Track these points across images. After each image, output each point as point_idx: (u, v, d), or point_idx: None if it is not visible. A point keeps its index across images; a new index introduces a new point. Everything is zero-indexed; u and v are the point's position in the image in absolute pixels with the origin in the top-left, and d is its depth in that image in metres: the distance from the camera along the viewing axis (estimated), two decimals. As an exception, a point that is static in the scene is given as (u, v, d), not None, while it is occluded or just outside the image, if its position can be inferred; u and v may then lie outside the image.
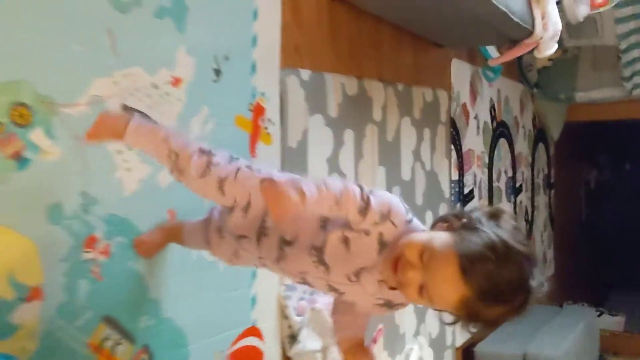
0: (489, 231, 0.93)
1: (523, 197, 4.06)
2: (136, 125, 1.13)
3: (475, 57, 3.14)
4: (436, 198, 2.73)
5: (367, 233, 1.01)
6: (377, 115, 2.25)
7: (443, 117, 2.79)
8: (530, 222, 4.22)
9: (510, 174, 3.78)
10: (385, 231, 1.00)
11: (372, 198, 0.98)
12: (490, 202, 3.43)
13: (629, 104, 4.16)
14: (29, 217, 1.07)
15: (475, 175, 3.21)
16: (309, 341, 1.72)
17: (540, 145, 4.48)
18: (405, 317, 2.43)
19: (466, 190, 3.09)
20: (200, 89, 1.44)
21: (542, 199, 4.55)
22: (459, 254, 0.92)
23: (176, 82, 1.37)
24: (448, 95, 2.85)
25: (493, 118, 3.46)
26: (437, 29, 2.45)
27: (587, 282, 5.46)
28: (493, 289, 0.92)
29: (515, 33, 2.44)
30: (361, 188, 0.99)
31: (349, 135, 2.07)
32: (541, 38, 2.45)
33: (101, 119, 1.15)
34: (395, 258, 0.99)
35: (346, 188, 0.97)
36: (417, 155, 2.55)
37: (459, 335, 2.93)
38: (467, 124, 3.08)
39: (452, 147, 2.91)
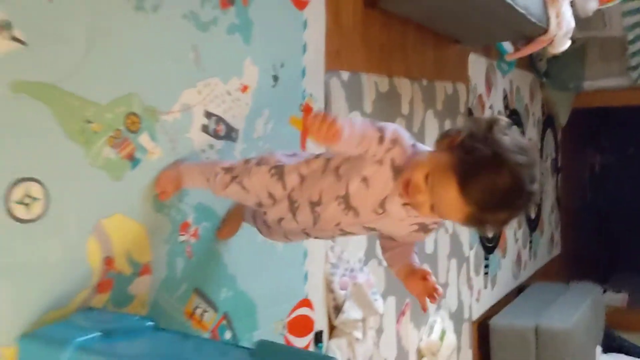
0: (482, 146, 0.99)
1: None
2: (184, 170, 1.34)
3: (490, 51, 3.34)
4: (455, 184, 2.94)
5: (380, 163, 1.11)
6: (405, 109, 2.46)
7: (462, 108, 3.00)
8: (539, 205, 4.44)
9: (521, 159, 3.99)
10: (397, 156, 1.10)
11: (383, 127, 1.10)
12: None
13: (634, 91, 4.35)
14: (140, 206, 1.29)
15: (490, 162, 3.42)
16: (351, 311, 1.96)
17: (549, 131, 4.69)
18: (429, 293, 2.66)
19: (481, 176, 3.30)
20: (263, 94, 1.65)
21: (550, 183, 4.77)
22: (457, 176, 1.00)
23: (244, 88, 1.59)
24: (466, 87, 3.06)
25: (506, 107, 3.67)
26: (458, 28, 2.65)
27: (592, 262, 5.69)
28: (492, 200, 0.99)
29: (531, 31, 2.64)
30: (371, 121, 1.13)
31: (361, 119, 2.28)
32: (555, 35, 2.65)
33: (161, 179, 1.32)
34: (404, 183, 1.08)
35: (364, 123, 1.10)
36: (439, 144, 2.77)
37: (475, 310, 3.16)
38: (483, 113, 3.29)
39: (470, 135, 3.12)
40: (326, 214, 1.20)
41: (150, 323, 1.08)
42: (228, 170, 1.31)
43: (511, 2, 2.14)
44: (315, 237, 1.36)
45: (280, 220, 1.29)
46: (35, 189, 1.08)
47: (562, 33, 2.65)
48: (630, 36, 3.77)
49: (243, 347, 1.00)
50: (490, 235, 1.15)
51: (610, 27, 3.84)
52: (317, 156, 1.25)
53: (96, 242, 1.20)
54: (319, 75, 1.92)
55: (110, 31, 1.22)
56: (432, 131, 2.70)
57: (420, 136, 2.58)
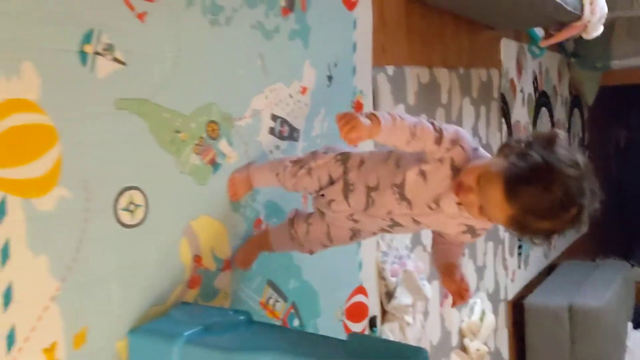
0: (537, 155, 1.02)
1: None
2: (254, 171, 1.42)
3: (521, 35, 3.38)
4: (490, 168, 3.02)
5: (441, 161, 1.14)
6: (444, 98, 2.53)
7: (495, 93, 3.06)
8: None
9: (550, 140, 4.05)
10: (456, 156, 1.13)
11: (443, 128, 1.14)
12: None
13: (662, 69, 4.36)
14: (221, 207, 1.39)
15: (522, 145, 3.49)
16: (402, 297, 2.06)
17: (576, 111, 4.72)
18: (468, 275, 2.75)
19: (514, 159, 3.37)
20: (319, 94, 1.73)
21: (577, 161, 4.81)
22: (504, 178, 1.03)
23: (304, 90, 1.68)
24: (499, 73, 3.11)
25: (535, 89, 3.71)
26: (493, 15, 2.70)
27: (617, 238, 5.75)
28: (537, 208, 1.01)
29: (565, 17, 2.68)
30: (432, 122, 1.15)
31: (423, 119, 2.36)
32: (589, 21, 2.69)
33: (232, 181, 1.40)
34: (458, 183, 1.12)
35: (420, 122, 1.13)
36: (475, 131, 2.84)
37: (510, 290, 3.26)
38: (515, 97, 3.35)
39: (503, 120, 3.19)
40: (381, 200, 1.22)
41: (243, 316, 1.19)
42: (296, 162, 1.37)
43: (550, -7, 2.20)
44: (359, 229, 1.36)
45: (331, 202, 1.30)
46: (137, 197, 1.19)
47: (595, 19, 2.69)
48: (660, 15, 3.78)
49: (336, 340, 1.10)
50: (538, 244, 1.15)
51: (637, 6, 3.84)
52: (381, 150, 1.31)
53: (187, 242, 1.30)
54: (367, 71, 1.99)
55: (191, 47, 1.31)
56: (469, 119, 2.78)
57: (457, 124, 2.65)
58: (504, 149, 1.10)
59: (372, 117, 1.11)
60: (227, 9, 1.40)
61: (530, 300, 3.33)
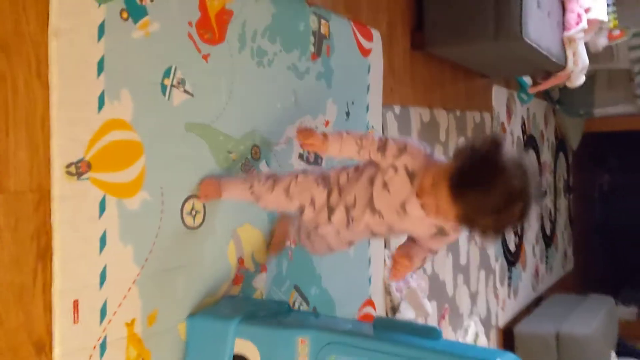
0: (479, 157, 1.10)
1: (547, 201, 4.62)
2: (225, 182, 1.45)
3: (510, 82, 3.71)
4: (483, 202, 3.29)
5: (395, 169, 1.24)
6: (442, 136, 2.81)
7: (487, 134, 3.36)
8: (553, 223, 4.77)
9: (536, 180, 4.33)
10: (408, 163, 1.23)
11: (389, 139, 1.25)
12: (523, 205, 3.98)
13: (640, 117, 4.71)
14: (259, 217, 1.64)
15: (511, 183, 3.76)
16: (406, 312, 2.29)
17: (561, 154, 5.04)
18: (462, 299, 2.99)
19: (504, 196, 3.64)
20: (338, 126, 2.00)
21: (562, 202, 5.10)
22: (450, 180, 1.11)
23: (326, 123, 1.94)
24: (491, 116, 3.41)
25: (524, 133, 4.02)
26: (487, 66, 3.01)
27: (602, 277, 6.00)
28: (481, 206, 1.09)
29: (550, 67, 3.00)
30: (382, 137, 1.27)
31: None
32: (572, 71, 3.01)
33: (205, 184, 1.42)
34: (419, 186, 1.21)
35: (366, 135, 1.28)
36: (469, 167, 3.11)
37: (501, 317, 3.48)
38: (505, 139, 3.64)
39: (494, 159, 3.47)
40: (358, 216, 1.32)
41: (283, 305, 1.42)
42: (270, 176, 1.42)
43: (537, 47, 2.50)
44: (349, 239, 1.45)
45: (317, 227, 1.40)
46: (198, 204, 1.43)
47: (578, 69, 3.01)
48: (637, 68, 4.14)
49: (363, 322, 1.33)
50: (490, 241, 1.32)
51: (617, 59, 4.20)
52: (354, 167, 1.38)
53: (233, 245, 1.54)
54: (378, 109, 2.27)
55: (242, 83, 1.57)
56: (464, 155, 3.05)
57: (454, 160, 2.93)
58: (456, 153, 1.17)
59: (323, 135, 1.33)
60: (270, 53, 1.67)
61: (520, 328, 3.55)
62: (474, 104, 3.23)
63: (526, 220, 1.13)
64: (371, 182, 1.30)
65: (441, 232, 1.27)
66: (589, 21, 2.89)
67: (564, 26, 2.90)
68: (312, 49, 1.86)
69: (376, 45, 2.23)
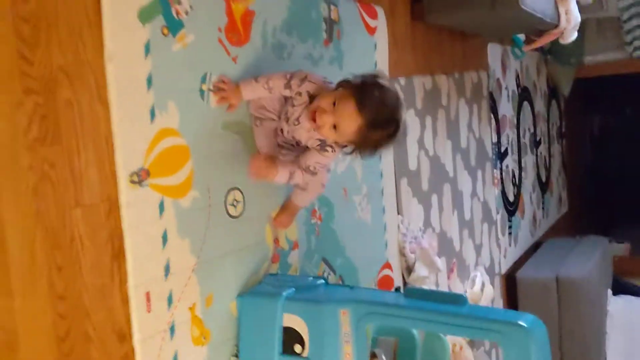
0: (371, 82, 1.46)
1: (542, 149, 4.79)
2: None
3: (504, 39, 3.81)
4: (483, 159, 3.45)
5: (299, 94, 1.53)
6: (444, 101, 2.94)
7: (485, 92, 3.49)
8: (548, 170, 4.96)
9: (532, 130, 4.49)
10: (310, 88, 1.52)
11: (293, 74, 1.53)
12: (520, 156, 4.16)
13: (629, 62, 4.83)
14: (289, 200, 1.78)
15: (509, 136, 3.92)
16: (420, 270, 2.47)
17: (553, 102, 5.18)
18: (468, 252, 3.18)
19: (502, 149, 3.81)
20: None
21: (556, 149, 5.28)
22: (355, 97, 1.42)
23: (341, 103, 2.06)
24: (487, 74, 3.53)
25: (518, 85, 4.15)
26: (483, 28, 3.11)
27: (595, 217, 6.25)
28: (377, 117, 1.42)
29: (544, 26, 3.11)
30: (288, 74, 1.54)
31: (428, 120, 2.77)
32: (565, 29, 3.12)
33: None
34: (313, 110, 1.47)
35: (273, 76, 1.53)
36: (469, 127, 3.26)
37: (503, 265, 3.70)
38: (501, 94, 3.78)
39: (492, 115, 3.61)
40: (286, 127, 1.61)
41: (321, 280, 1.58)
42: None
43: (532, 12, 2.61)
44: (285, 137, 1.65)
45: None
46: (238, 195, 1.57)
47: (570, 26, 3.12)
48: (625, 16, 4.24)
49: (394, 292, 1.50)
50: (367, 155, 1.59)
51: (607, 8, 4.30)
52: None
53: (269, 228, 1.69)
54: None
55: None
56: (464, 117, 3.19)
57: (455, 123, 3.07)
58: (343, 83, 1.51)
59: (236, 85, 1.53)
60: (288, 46, 1.79)
61: (522, 274, 3.77)
62: (471, 63, 3.34)
63: (394, 142, 1.51)
64: (287, 102, 1.60)
65: (322, 145, 1.56)
66: (580, -21, 2.98)
67: (555, -15, 2.99)
68: (324, 35, 1.97)
69: (381, 22, 2.34)
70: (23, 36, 1.08)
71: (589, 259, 3.90)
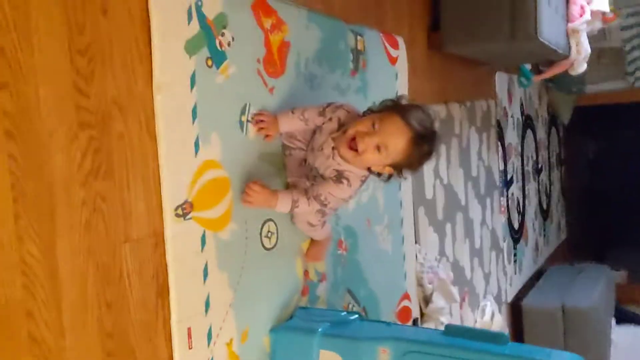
0: (402, 102, 1.48)
1: (543, 176, 4.82)
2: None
3: (510, 67, 3.85)
4: (491, 187, 3.46)
5: (330, 120, 1.52)
6: (457, 129, 2.95)
7: (493, 121, 3.51)
8: (548, 196, 4.99)
9: (534, 157, 4.52)
10: (341, 116, 1.51)
11: (330, 102, 1.54)
12: (523, 184, 4.18)
13: (631, 91, 4.90)
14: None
15: (514, 164, 3.94)
16: (438, 301, 2.45)
17: (553, 129, 5.23)
18: (478, 281, 3.17)
19: (508, 177, 3.82)
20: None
21: (556, 175, 5.32)
22: (398, 113, 1.41)
23: (365, 133, 2.06)
24: (495, 102, 3.56)
25: (522, 113, 4.18)
26: (496, 58, 3.14)
27: (592, 243, 6.28)
28: (425, 128, 1.42)
29: (555, 57, 3.15)
30: (324, 104, 1.54)
31: (443, 148, 2.77)
32: (575, 60, 3.16)
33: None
34: (351, 137, 1.42)
35: (307, 107, 1.54)
36: (479, 155, 3.27)
37: (509, 293, 3.69)
38: (507, 122, 3.80)
39: (499, 143, 3.63)
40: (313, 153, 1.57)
41: (355, 315, 1.56)
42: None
43: (548, 43, 2.64)
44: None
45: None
46: (272, 226, 1.55)
47: (581, 58, 3.16)
48: (628, 47, 4.31)
49: (432, 329, 1.48)
50: (412, 173, 1.58)
51: (610, 38, 4.36)
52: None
53: (300, 259, 1.67)
54: (405, 113, 2.39)
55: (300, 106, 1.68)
56: (475, 145, 3.21)
57: (467, 151, 3.08)
58: (371, 109, 1.52)
59: (274, 116, 1.52)
60: (318, 76, 1.78)
61: (527, 303, 3.76)
62: (480, 92, 3.37)
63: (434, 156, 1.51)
64: (316, 130, 1.58)
65: (339, 177, 1.50)
66: (592, 12, 3.02)
67: (567, 18, 3.03)
68: (351, 66, 1.97)
69: (401, 52, 2.35)
70: (79, 69, 1.06)
71: (593, 288, 3.91)
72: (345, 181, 1.50)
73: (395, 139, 1.41)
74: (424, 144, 1.44)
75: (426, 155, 1.48)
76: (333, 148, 1.49)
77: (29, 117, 0.98)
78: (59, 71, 1.03)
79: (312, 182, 1.60)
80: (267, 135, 1.53)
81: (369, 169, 1.50)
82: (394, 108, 1.46)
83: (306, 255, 1.70)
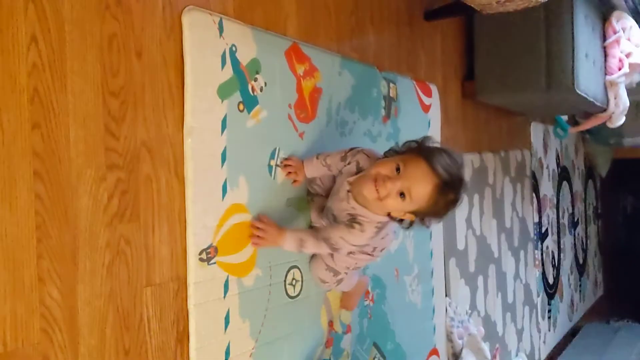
0: (428, 144, 1.36)
1: (579, 229, 4.68)
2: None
3: (546, 118, 3.79)
4: (526, 239, 3.36)
5: (349, 163, 1.46)
6: (490, 179, 2.90)
7: (528, 171, 3.44)
8: (585, 251, 4.83)
9: (570, 210, 4.41)
10: (360, 159, 1.44)
11: (352, 147, 1.48)
12: (559, 237, 4.06)
13: (669, 145, 4.78)
14: (345, 281, 1.72)
15: (549, 216, 3.84)
16: (467, 358, 2.36)
17: (590, 182, 5.10)
18: (510, 337, 3.05)
19: (543, 230, 3.72)
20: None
21: (592, 229, 5.16)
22: (424, 157, 1.30)
23: (396, 181, 2.03)
24: (530, 153, 3.50)
25: (558, 165, 4.10)
26: (532, 109, 3.10)
27: (630, 301, 6.03)
28: (452, 176, 1.29)
29: (593, 109, 3.09)
30: (351, 149, 1.48)
31: (476, 198, 2.72)
32: (613, 112, 3.09)
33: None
34: (373, 179, 1.31)
35: (330, 153, 1.49)
36: (513, 206, 3.19)
37: (543, 351, 3.54)
38: (542, 173, 3.73)
39: (534, 194, 3.55)
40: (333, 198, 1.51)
41: (381, 371, 1.50)
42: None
43: (585, 95, 2.59)
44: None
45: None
46: (297, 273, 1.52)
47: (619, 111, 3.09)
48: (667, 100, 4.21)
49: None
50: (435, 222, 1.45)
51: (647, 91, 4.28)
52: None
53: (324, 310, 1.62)
54: (437, 161, 2.36)
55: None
56: (509, 196, 3.14)
57: (500, 201, 3.01)
58: (392, 151, 1.43)
59: (302, 163, 1.50)
60: (350, 122, 1.77)
61: (562, 361, 3.60)
62: (515, 142, 3.31)
63: (459, 204, 1.37)
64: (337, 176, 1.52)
65: (351, 222, 1.40)
66: (630, 65, 2.97)
67: (605, 70, 2.98)
68: (382, 112, 1.96)
69: (435, 100, 2.33)
70: (111, 110, 1.06)
71: (631, 349, 3.73)
72: (357, 226, 1.40)
73: (420, 186, 1.30)
74: (449, 191, 1.32)
75: (451, 203, 1.35)
76: (348, 191, 1.42)
77: (58, 158, 0.98)
78: (91, 112, 1.03)
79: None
80: (294, 181, 1.51)
81: (389, 215, 1.39)
82: (418, 151, 1.35)
83: (342, 303, 1.67)
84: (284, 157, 1.49)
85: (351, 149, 1.50)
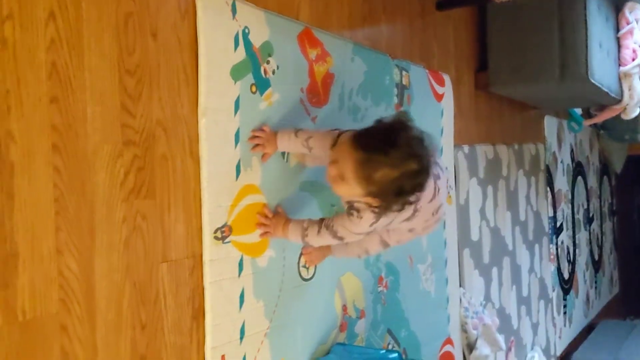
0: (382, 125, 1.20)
1: (595, 226, 4.64)
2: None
3: (560, 112, 3.77)
4: (540, 233, 3.34)
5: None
6: (504, 171, 2.89)
7: (542, 165, 3.42)
8: (600, 247, 4.79)
9: (585, 206, 4.37)
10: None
11: (339, 134, 1.29)
12: (574, 233, 4.03)
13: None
14: (357, 266, 1.73)
15: (564, 211, 3.81)
16: (482, 348, 2.35)
17: (605, 178, 5.06)
18: (525, 331, 3.03)
19: (558, 224, 3.69)
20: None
21: (607, 226, 5.11)
22: (352, 133, 1.22)
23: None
24: (544, 146, 3.48)
25: (572, 160, 4.07)
26: (545, 101, 3.09)
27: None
28: (372, 139, 1.15)
29: (607, 101, 3.07)
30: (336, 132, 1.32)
31: (489, 190, 2.71)
32: (627, 104, 3.07)
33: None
34: (330, 161, 1.23)
35: (312, 133, 1.36)
36: (528, 199, 3.18)
37: (558, 346, 3.51)
38: (557, 168, 3.70)
39: (548, 188, 3.53)
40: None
41: (396, 354, 1.50)
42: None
43: (600, 86, 2.57)
44: None
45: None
46: (311, 257, 1.53)
47: (633, 102, 3.07)
48: (684, 94, 4.16)
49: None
50: (394, 208, 1.23)
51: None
52: None
53: (338, 294, 1.63)
54: (450, 150, 2.36)
55: (342, 139, 1.67)
56: (523, 189, 3.12)
57: (514, 194, 3.00)
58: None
59: (274, 133, 1.37)
60: (362, 109, 1.78)
61: (578, 356, 3.57)
62: (529, 135, 3.30)
63: (420, 189, 1.20)
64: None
65: (349, 209, 1.30)
66: (645, 56, 2.95)
67: (619, 61, 2.96)
68: (395, 100, 1.96)
69: (447, 89, 2.33)
70: (127, 88, 1.08)
71: (650, 345, 3.69)
72: (355, 213, 1.29)
73: (344, 163, 1.18)
74: (375, 160, 1.15)
75: (397, 179, 1.16)
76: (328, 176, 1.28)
77: (75, 133, 1.00)
78: (107, 89, 1.05)
79: None
80: (264, 155, 1.37)
81: (348, 203, 1.30)
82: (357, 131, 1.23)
83: (304, 251, 1.51)
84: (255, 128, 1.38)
85: (340, 134, 1.31)
